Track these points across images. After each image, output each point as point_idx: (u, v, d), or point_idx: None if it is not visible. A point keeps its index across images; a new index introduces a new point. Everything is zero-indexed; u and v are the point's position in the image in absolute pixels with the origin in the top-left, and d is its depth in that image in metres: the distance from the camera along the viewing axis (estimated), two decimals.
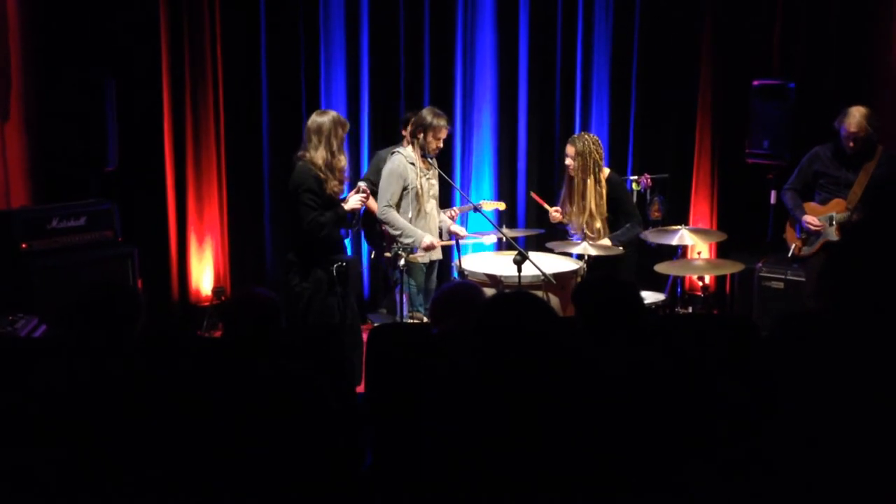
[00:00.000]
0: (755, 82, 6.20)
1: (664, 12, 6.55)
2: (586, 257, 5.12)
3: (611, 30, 6.63)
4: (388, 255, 4.96)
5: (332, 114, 4.93)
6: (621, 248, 5.23)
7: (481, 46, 6.70)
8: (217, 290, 6.41)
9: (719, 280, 6.53)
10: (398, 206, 5.24)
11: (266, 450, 2.64)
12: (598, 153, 5.26)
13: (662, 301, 5.41)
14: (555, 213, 5.47)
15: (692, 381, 2.66)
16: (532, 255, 4.95)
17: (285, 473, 2.65)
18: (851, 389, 2.36)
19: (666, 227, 5.49)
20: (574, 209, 5.31)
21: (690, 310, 6.23)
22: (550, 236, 5.66)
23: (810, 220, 5.36)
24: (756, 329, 3.55)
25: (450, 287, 3.48)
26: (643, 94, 6.67)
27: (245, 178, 6.52)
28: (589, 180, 5.25)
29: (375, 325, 5.06)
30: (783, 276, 5.83)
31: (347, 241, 5.55)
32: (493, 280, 5.02)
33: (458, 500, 2.39)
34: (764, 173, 6.29)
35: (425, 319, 5.05)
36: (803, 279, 5.65)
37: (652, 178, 5.96)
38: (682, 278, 5.97)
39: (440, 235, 5.47)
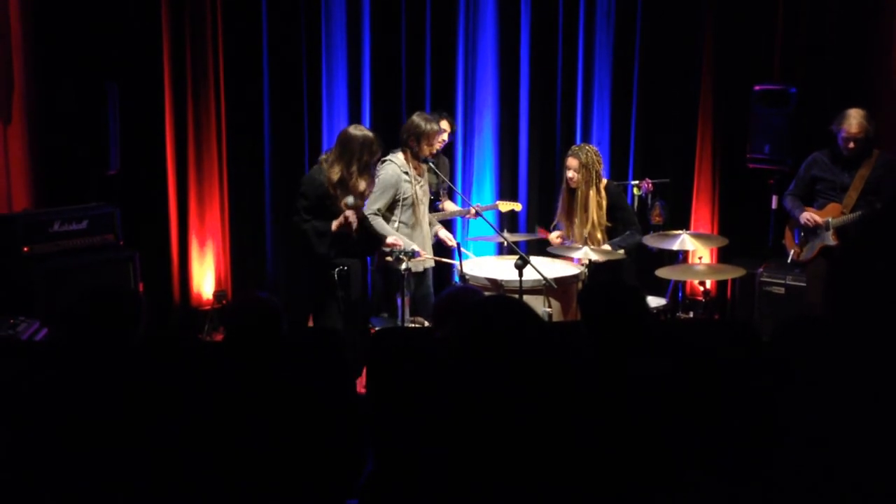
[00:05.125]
0: (756, 87, 6.20)
1: (665, 17, 6.55)
2: (588, 262, 5.12)
3: (612, 34, 6.63)
4: (389, 258, 4.95)
5: (367, 134, 4.75)
6: (622, 251, 5.23)
7: (483, 51, 6.71)
8: (218, 294, 6.42)
9: (720, 285, 6.52)
10: (390, 216, 5.22)
11: (267, 454, 2.64)
12: (598, 164, 5.28)
13: (663, 306, 5.41)
14: (556, 239, 5.46)
15: (693, 385, 2.66)
16: (533, 259, 4.95)
17: (287, 478, 2.65)
18: (853, 394, 2.36)
19: (667, 232, 5.49)
20: (577, 221, 5.30)
21: (691, 315, 6.22)
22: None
23: (808, 215, 5.35)
24: (757, 334, 3.55)
25: (452, 291, 3.48)
26: (644, 98, 6.67)
27: (246, 182, 6.52)
28: (591, 191, 5.25)
29: (377, 329, 5.07)
30: (784, 282, 5.83)
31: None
32: (495, 284, 5.02)
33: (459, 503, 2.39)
34: (765, 178, 6.29)
35: (426, 324, 5.05)
36: (804, 284, 5.65)
37: (653, 183, 5.96)
38: (684, 283, 5.97)
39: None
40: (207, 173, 6.37)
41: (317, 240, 4.74)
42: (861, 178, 5.26)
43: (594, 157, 5.26)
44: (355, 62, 6.56)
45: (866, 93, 5.92)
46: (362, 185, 4.73)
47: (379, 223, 5.13)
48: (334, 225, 4.71)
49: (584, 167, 5.22)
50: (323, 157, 4.86)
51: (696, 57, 6.55)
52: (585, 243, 5.23)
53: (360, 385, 4.19)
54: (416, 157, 5.25)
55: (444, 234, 5.63)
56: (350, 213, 4.67)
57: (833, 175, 5.36)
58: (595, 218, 5.26)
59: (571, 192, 5.32)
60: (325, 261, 4.81)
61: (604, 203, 5.30)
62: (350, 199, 4.66)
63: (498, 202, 6.14)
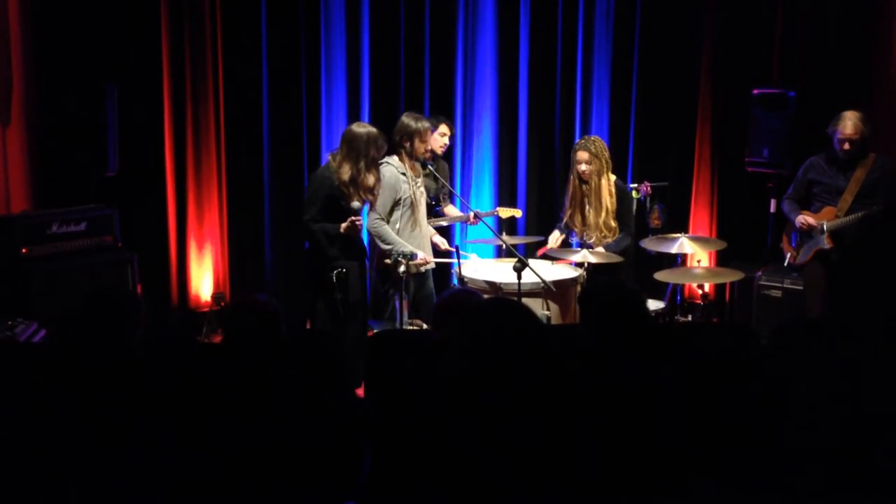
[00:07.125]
0: (755, 91, 6.21)
1: (664, 20, 6.56)
2: (586, 265, 5.12)
3: (611, 38, 6.64)
4: (387, 261, 4.95)
5: (371, 130, 4.84)
6: (621, 258, 5.23)
7: (482, 54, 6.71)
8: (217, 296, 6.41)
9: (719, 288, 6.52)
10: (389, 217, 5.20)
11: (266, 455, 2.64)
12: (606, 151, 5.29)
13: (662, 309, 5.41)
14: (556, 244, 5.48)
15: (692, 388, 2.66)
16: (532, 262, 4.95)
17: (285, 478, 2.65)
18: (851, 396, 2.36)
19: (665, 235, 5.49)
20: (591, 211, 5.30)
21: (690, 318, 6.22)
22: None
23: (803, 218, 5.35)
24: (755, 337, 3.55)
25: (450, 294, 3.49)
26: (643, 102, 6.68)
27: (245, 184, 6.52)
28: (603, 180, 5.26)
29: (376, 331, 5.06)
30: (782, 285, 5.83)
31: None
32: (493, 287, 5.02)
33: None
34: (764, 182, 6.29)
35: (425, 326, 5.05)
36: (802, 288, 5.65)
37: (652, 186, 5.96)
38: (682, 286, 5.97)
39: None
40: (206, 175, 6.36)
41: (326, 242, 4.82)
42: (857, 180, 5.25)
43: (602, 146, 5.28)
44: (354, 66, 6.56)
45: (865, 97, 5.92)
46: (371, 180, 4.82)
47: (383, 230, 5.09)
48: (342, 227, 4.77)
49: (595, 157, 5.23)
50: (331, 155, 4.90)
51: (695, 60, 6.56)
52: (600, 231, 5.25)
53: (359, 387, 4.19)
54: (411, 156, 5.23)
55: (437, 239, 5.62)
56: (357, 217, 4.77)
57: (829, 178, 5.37)
58: (609, 206, 5.27)
59: (583, 183, 5.30)
60: (324, 262, 4.81)
61: (614, 192, 5.30)
62: (356, 203, 4.79)
63: (498, 209, 6.14)
